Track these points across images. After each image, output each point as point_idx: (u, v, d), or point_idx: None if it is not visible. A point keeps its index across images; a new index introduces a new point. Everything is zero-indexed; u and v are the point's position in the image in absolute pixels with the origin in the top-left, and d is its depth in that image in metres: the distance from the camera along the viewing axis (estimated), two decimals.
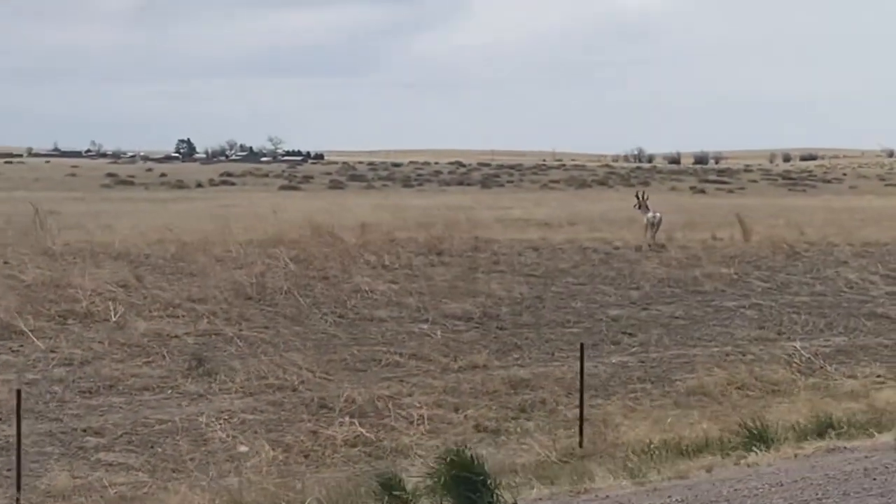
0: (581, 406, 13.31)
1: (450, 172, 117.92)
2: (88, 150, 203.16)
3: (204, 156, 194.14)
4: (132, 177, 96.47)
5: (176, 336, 16.85)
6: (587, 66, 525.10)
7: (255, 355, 16.06)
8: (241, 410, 13.91)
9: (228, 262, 22.39)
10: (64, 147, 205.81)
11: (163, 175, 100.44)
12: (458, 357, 16.53)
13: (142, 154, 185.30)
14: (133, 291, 19.33)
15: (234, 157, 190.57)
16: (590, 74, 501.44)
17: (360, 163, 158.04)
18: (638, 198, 28.56)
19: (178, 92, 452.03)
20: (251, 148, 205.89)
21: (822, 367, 17.19)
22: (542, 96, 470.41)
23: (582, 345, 14.19)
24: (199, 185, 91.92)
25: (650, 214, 27.79)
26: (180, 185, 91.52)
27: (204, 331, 17.21)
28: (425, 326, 18.08)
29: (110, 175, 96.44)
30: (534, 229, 32.80)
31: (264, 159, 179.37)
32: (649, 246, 26.67)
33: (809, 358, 17.39)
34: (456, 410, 14.28)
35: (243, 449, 12.64)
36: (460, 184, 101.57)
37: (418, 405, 14.22)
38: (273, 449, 12.55)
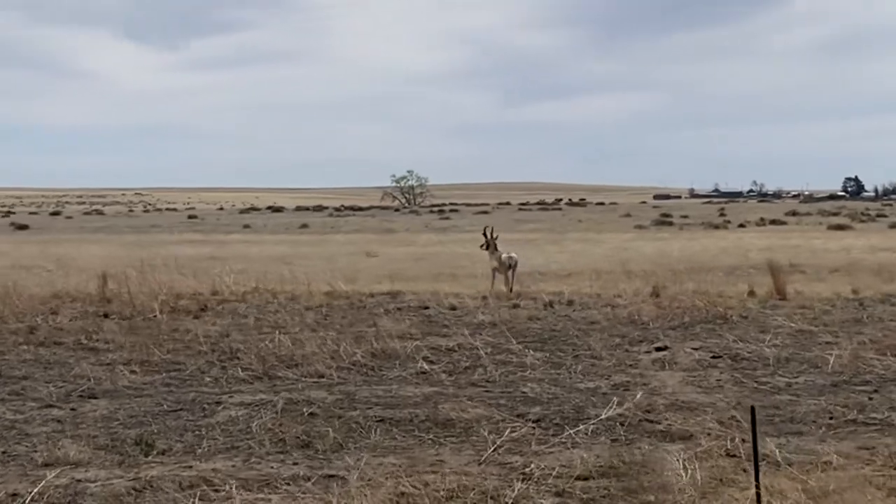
0: None
1: None
2: (750, 191, 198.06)
3: (872, 194, 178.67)
4: (667, 216, 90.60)
5: None
6: None
7: None
8: None
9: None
10: (724, 188, 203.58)
11: (684, 217, 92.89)
12: None
13: (806, 192, 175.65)
14: None
15: None
16: None
17: None
18: (485, 236, 20.33)
19: (848, 129, 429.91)
20: None
21: None
22: None
23: None
24: (742, 226, 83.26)
25: (504, 255, 19.62)
26: (713, 224, 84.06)
27: None
28: None
29: (628, 216, 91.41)
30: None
31: None
32: (507, 296, 17.93)
33: None
34: None
35: None
36: None
37: None
38: None
